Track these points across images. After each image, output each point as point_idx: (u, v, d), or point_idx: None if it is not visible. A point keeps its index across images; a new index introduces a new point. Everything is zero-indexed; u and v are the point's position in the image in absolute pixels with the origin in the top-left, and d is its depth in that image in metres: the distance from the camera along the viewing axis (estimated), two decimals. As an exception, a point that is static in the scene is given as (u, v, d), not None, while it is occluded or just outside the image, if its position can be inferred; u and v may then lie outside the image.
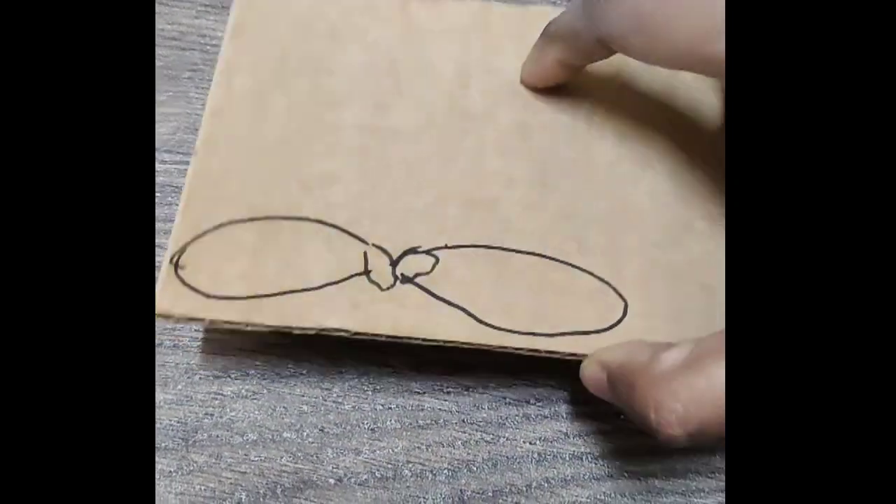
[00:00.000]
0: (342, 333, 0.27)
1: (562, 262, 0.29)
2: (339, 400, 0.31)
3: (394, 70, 0.32)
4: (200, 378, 0.31)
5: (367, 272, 0.28)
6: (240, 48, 0.32)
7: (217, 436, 0.30)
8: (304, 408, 0.31)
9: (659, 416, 0.23)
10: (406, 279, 0.28)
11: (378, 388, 0.31)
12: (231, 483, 0.30)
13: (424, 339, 0.27)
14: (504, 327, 0.28)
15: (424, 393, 0.31)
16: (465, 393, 0.31)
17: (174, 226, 0.28)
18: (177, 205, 0.29)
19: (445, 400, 0.31)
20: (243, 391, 0.31)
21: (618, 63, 0.32)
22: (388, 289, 0.28)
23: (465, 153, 0.31)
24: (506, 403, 0.31)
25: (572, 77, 0.31)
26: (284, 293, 0.28)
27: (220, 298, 0.27)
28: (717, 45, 0.23)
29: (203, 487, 0.30)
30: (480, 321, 0.28)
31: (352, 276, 0.28)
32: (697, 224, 0.30)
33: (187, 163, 0.30)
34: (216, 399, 0.31)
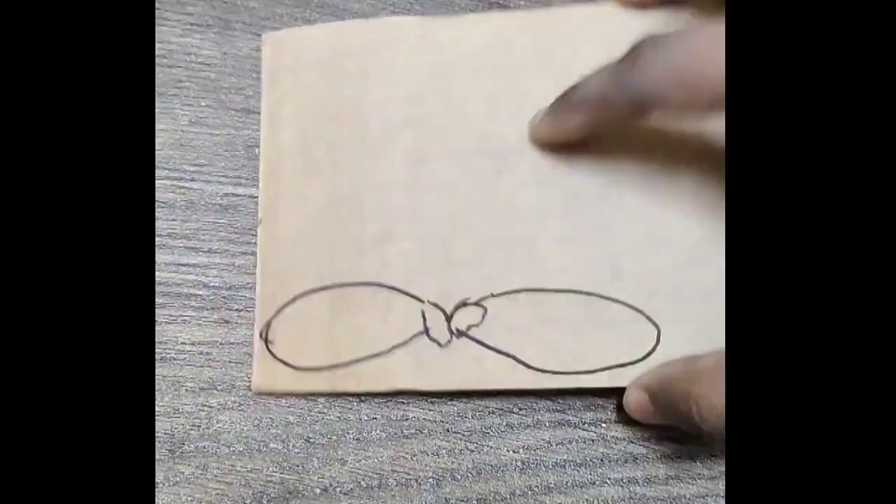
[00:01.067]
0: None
1: (597, 295, 0.31)
2: (325, 411, 0.31)
3: (426, 115, 0.33)
4: (187, 390, 0.31)
5: (426, 330, 0.31)
6: (279, 99, 0.33)
7: (203, 447, 0.31)
8: (290, 419, 0.31)
9: (700, 407, 0.26)
10: (461, 333, 0.31)
11: (363, 398, 0.32)
12: (217, 494, 0.30)
13: (483, 390, 0.31)
14: (549, 369, 0.30)
15: (409, 403, 0.32)
16: (449, 402, 0.32)
17: (257, 301, 0.32)
18: (166, 221, 0.30)
19: (430, 410, 0.32)
20: (229, 403, 0.31)
21: None
22: (445, 345, 0.31)
23: (501, 193, 0.32)
24: (489, 413, 0.32)
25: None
26: (360, 360, 0.31)
27: (308, 370, 0.31)
28: None
29: (190, 498, 0.30)
30: (529, 366, 0.30)
31: (413, 337, 0.31)
32: (723, 237, 0.31)
33: (175, 178, 0.31)
34: (203, 411, 0.31)
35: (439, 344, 0.31)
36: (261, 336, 0.31)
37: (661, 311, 0.30)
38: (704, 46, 0.25)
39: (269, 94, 0.33)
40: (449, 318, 0.31)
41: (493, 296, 0.31)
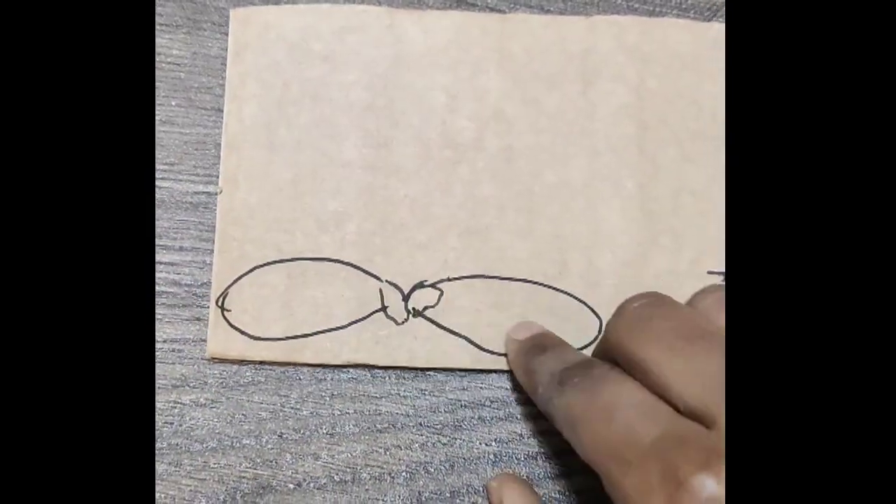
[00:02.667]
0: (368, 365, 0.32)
1: (546, 286, 0.32)
2: (297, 406, 0.32)
3: (389, 101, 0.34)
4: (159, 387, 0.32)
5: (384, 308, 0.32)
6: (243, 74, 0.34)
7: (176, 444, 0.31)
8: (263, 414, 0.31)
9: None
10: (417, 313, 0.32)
11: (335, 393, 0.32)
12: (191, 490, 0.30)
13: (434, 368, 0.32)
14: (500, 352, 0.32)
15: (381, 397, 0.32)
16: (421, 396, 0.32)
17: (214, 268, 0.32)
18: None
19: (402, 404, 0.32)
20: (202, 399, 0.32)
21: (588, 83, 0.34)
22: (402, 323, 0.32)
23: (460, 183, 0.33)
24: (461, 406, 0.32)
25: None
26: (317, 333, 0.32)
27: (264, 340, 0.32)
28: None
29: (163, 495, 0.30)
30: (481, 348, 0.32)
31: (372, 314, 0.32)
32: (662, 239, 0.33)
33: None
34: (175, 408, 0.31)
35: (396, 322, 0.32)
36: (217, 304, 0.32)
37: (603, 304, 0.32)
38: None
39: (233, 69, 0.34)
40: (406, 298, 0.32)
41: (449, 280, 0.32)
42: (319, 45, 0.34)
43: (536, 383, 0.29)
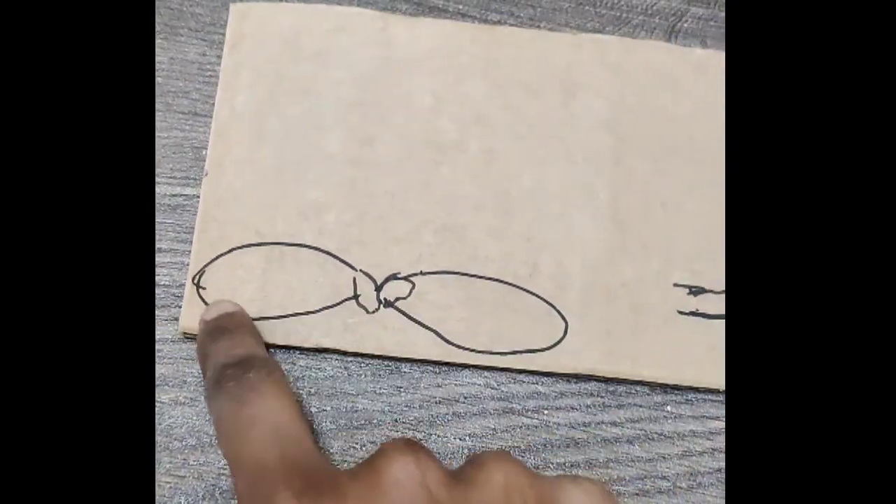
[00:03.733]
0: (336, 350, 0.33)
1: (516, 286, 0.33)
2: (276, 404, 0.32)
3: (376, 100, 0.35)
4: (139, 387, 0.32)
5: (356, 297, 0.33)
6: (238, 64, 0.35)
7: (156, 442, 0.31)
8: (242, 412, 0.32)
9: None
10: (388, 303, 0.33)
11: (312, 391, 0.32)
12: (170, 487, 0.31)
13: (402, 357, 0.33)
14: (467, 347, 0.33)
15: (358, 395, 0.33)
16: (397, 394, 0.33)
17: (193, 247, 0.33)
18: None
19: (378, 401, 0.33)
20: (181, 398, 0.32)
21: (569, 95, 0.36)
22: (373, 312, 0.33)
23: (440, 181, 0.34)
24: (436, 402, 0.33)
25: None
26: (289, 315, 0.33)
27: None
28: None
29: (143, 492, 0.31)
30: (449, 342, 0.33)
31: (343, 301, 0.33)
32: (631, 248, 0.34)
33: None
34: (155, 406, 0.32)
35: (367, 310, 0.33)
36: (193, 281, 0.33)
37: (570, 307, 0.33)
38: None
39: (228, 59, 0.35)
40: (379, 289, 0.33)
41: (422, 273, 0.33)
42: (313, 42, 0.35)
43: (205, 370, 0.29)
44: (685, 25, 0.37)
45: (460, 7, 0.37)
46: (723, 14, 0.38)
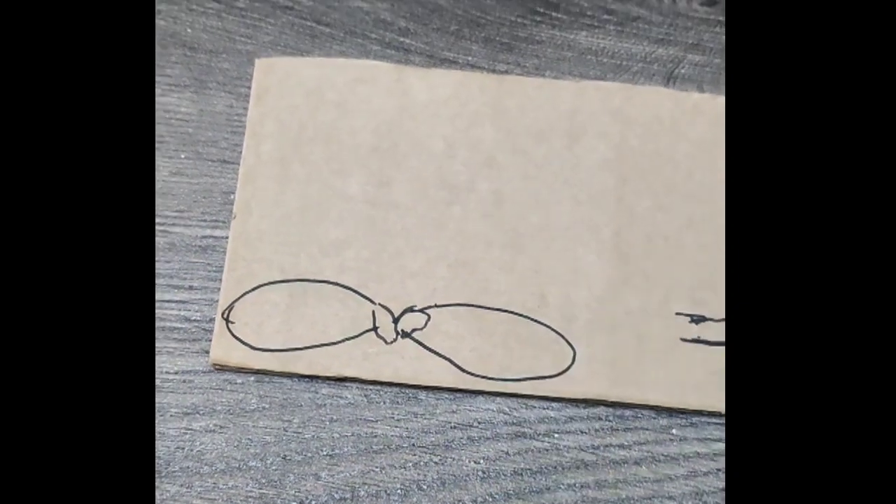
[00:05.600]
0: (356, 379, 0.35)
1: (526, 317, 0.35)
2: (300, 430, 0.34)
3: (393, 145, 0.37)
4: (171, 415, 0.34)
5: (375, 328, 0.35)
6: (263, 114, 0.37)
7: (188, 467, 0.33)
8: (268, 438, 0.34)
9: None
10: (405, 334, 0.35)
11: (335, 418, 0.34)
12: (202, 510, 0.33)
13: (419, 385, 0.35)
14: (481, 374, 0.35)
15: (377, 421, 0.34)
16: (414, 419, 0.34)
17: (223, 284, 0.35)
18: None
19: (396, 427, 0.34)
20: (211, 426, 0.34)
21: (574, 139, 0.38)
22: (391, 343, 0.35)
23: (452, 220, 0.36)
24: (451, 427, 0.34)
25: None
26: (312, 347, 0.35)
27: (263, 350, 0.35)
28: None
29: (176, 515, 0.32)
30: (463, 370, 0.35)
31: (363, 333, 0.35)
32: (634, 280, 0.36)
33: (158, 224, 0.35)
34: (186, 434, 0.34)
35: (385, 341, 0.35)
36: (222, 315, 0.35)
37: (578, 336, 0.35)
38: None
39: (254, 110, 0.37)
40: (396, 320, 0.35)
41: (436, 306, 0.35)
42: (333, 93, 0.38)
43: None
44: (682, 71, 0.40)
45: (469, 59, 0.40)
46: (717, 60, 0.40)
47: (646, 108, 0.38)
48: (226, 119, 0.38)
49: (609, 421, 0.35)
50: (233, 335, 0.35)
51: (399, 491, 0.33)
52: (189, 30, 0.39)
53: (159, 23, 0.39)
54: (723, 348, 0.35)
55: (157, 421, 0.34)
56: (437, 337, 0.35)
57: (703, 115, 0.38)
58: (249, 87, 0.38)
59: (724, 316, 0.35)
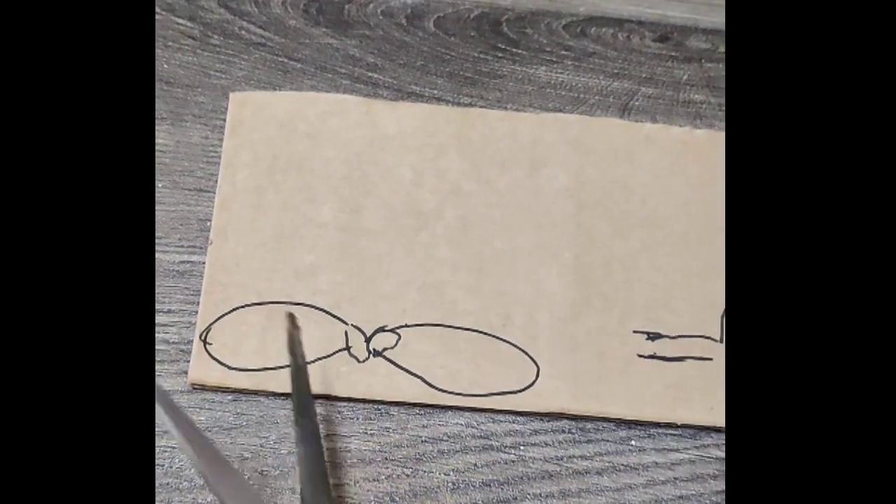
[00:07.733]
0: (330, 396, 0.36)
1: (492, 335, 0.37)
2: (276, 446, 0.35)
3: (363, 174, 0.39)
4: (152, 433, 0.35)
5: (348, 348, 0.37)
6: (238, 145, 0.39)
7: (167, 483, 0.34)
8: (245, 454, 0.35)
9: None
10: (377, 353, 0.37)
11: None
12: (181, 524, 0.34)
13: (391, 401, 0.36)
14: (450, 390, 0.36)
15: (351, 436, 0.36)
16: (386, 434, 0.36)
17: (200, 307, 0.36)
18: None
19: (369, 441, 0.36)
20: (190, 443, 0.35)
21: (534, 168, 0.40)
22: (363, 361, 0.36)
23: (420, 245, 0.38)
24: (422, 441, 0.36)
25: None
26: (286, 366, 0.35)
27: (240, 370, 0.36)
28: None
29: (157, 530, 0.34)
30: (433, 386, 0.36)
31: (336, 352, 0.37)
32: (593, 301, 0.38)
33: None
34: (165, 451, 0.35)
35: (358, 360, 0.36)
36: (200, 337, 0.36)
37: (541, 353, 0.37)
38: None
39: (229, 141, 0.39)
40: (368, 340, 0.37)
41: (407, 326, 0.37)
42: (305, 125, 0.39)
43: None
44: (636, 103, 0.42)
45: (435, 92, 0.42)
46: (669, 92, 0.42)
47: (602, 139, 0.40)
48: (201, 150, 0.40)
49: (572, 433, 0.36)
50: (210, 356, 0.36)
51: (373, 502, 0.35)
52: (166, 65, 0.41)
53: (137, 58, 0.41)
54: (678, 363, 0.37)
55: (137, 439, 0.35)
56: (407, 355, 0.37)
57: (656, 144, 0.40)
58: (224, 120, 0.40)
59: (678, 333, 0.37)
